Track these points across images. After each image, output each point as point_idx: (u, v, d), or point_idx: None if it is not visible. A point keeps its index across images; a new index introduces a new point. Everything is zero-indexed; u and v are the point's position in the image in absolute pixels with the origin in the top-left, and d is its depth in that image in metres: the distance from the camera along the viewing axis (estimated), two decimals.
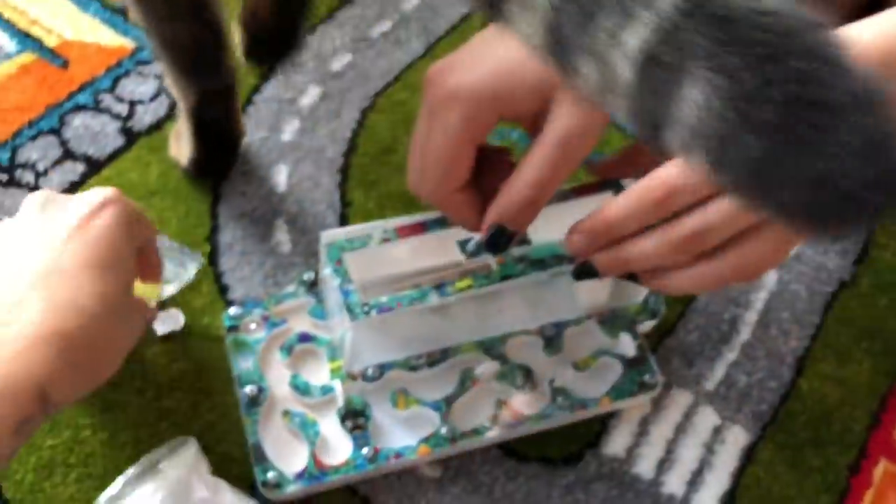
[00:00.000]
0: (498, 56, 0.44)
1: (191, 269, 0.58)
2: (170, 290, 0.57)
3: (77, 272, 0.42)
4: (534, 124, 0.45)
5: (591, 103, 0.37)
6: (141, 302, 0.49)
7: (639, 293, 0.58)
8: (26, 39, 0.69)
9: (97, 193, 0.46)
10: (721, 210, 0.42)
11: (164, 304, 0.56)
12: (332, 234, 0.51)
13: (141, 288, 0.55)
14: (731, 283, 0.46)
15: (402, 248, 0.53)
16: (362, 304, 0.49)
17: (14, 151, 0.63)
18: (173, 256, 0.58)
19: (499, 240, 0.47)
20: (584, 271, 0.48)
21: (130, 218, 0.46)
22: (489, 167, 0.47)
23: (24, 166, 0.62)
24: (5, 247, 0.44)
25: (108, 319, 0.43)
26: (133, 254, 0.46)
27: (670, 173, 0.42)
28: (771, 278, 0.64)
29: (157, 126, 0.65)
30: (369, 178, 0.65)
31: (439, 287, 0.50)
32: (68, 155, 0.63)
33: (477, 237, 0.51)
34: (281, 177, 0.65)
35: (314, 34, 0.73)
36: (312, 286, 0.57)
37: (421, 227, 0.53)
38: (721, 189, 0.39)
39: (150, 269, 0.51)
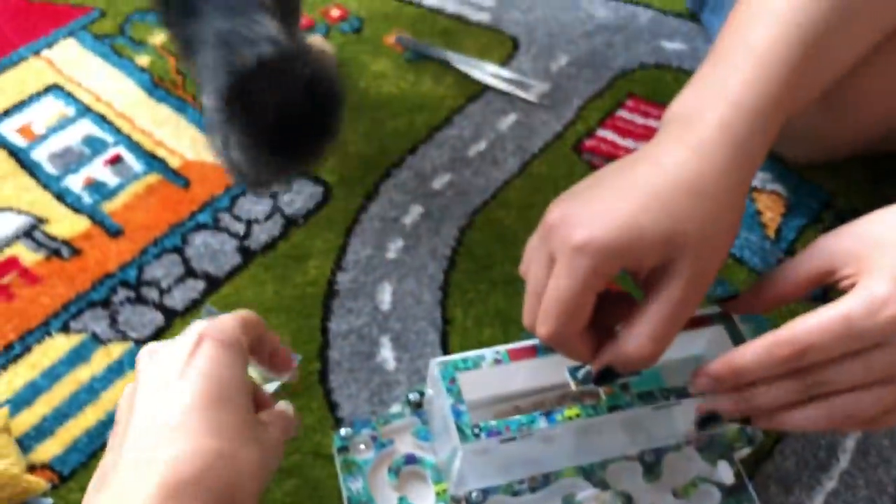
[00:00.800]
0: (624, 208, 0.46)
1: (293, 371, 0.61)
2: (272, 387, 0.60)
3: (188, 418, 0.41)
4: (649, 274, 0.47)
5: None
6: (278, 415, 0.49)
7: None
8: (152, 161, 0.74)
9: (192, 331, 0.45)
10: (854, 371, 0.43)
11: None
12: (443, 358, 0.54)
13: None
14: (844, 426, 0.46)
15: (513, 371, 0.55)
16: (472, 427, 0.51)
17: (140, 269, 0.68)
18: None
19: (608, 377, 0.49)
20: (709, 419, 0.49)
21: (231, 341, 0.45)
22: (606, 305, 0.49)
23: (149, 284, 0.67)
24: (132, 405, 0.44)
25: (232, 450, 0.41)
26: (244, 375, 0.46)
27: (804, 328, 0.44)
28: None
29: (272, 245, 0.70)
30: (468, 295, 0.68)
31: (548, 414, 0.52)
32: (190, 273, 0.68)
33: (588, 367, 0.53)
34: (385, 294, 0.68)
35: (415, 154, 0.77)
36: (418, 407, 0.60)
37: (532, 351, 0.55)
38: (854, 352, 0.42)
39: (275, 361, 0.52)
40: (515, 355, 0.55)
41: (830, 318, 0.44)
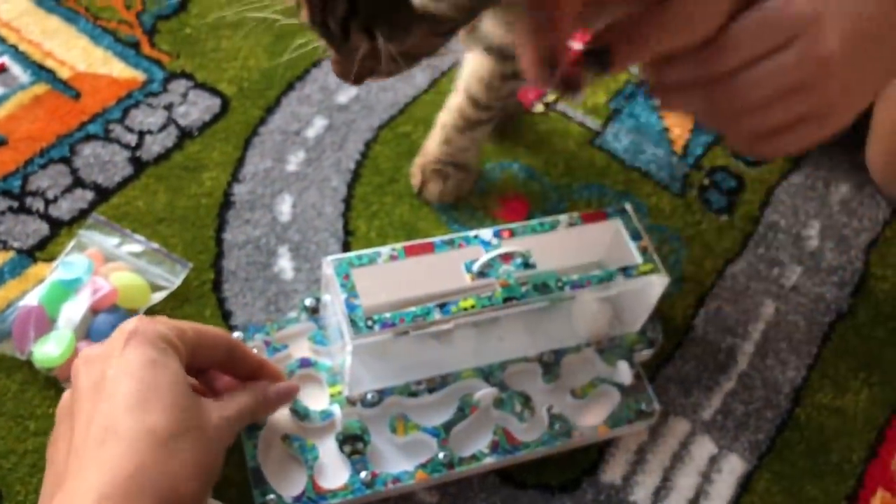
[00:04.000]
0: None
1: (181, 275, 0.59)
2: (159, 295, 0.58)
3: (117, 421, 0.40)
4: None
5: None
6: (237, 396, 0.47)
7: (636, 322, 0.59)
8: (40, 71, 0.70)
9: (120, 332, 0.44)
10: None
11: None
12: (339, 257, 0.52)
13: (129, 295, 0.57)
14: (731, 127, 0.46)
15: (409, 267, 0.54)
16: (366, 319, 0.49)
17: (25, 179, 0.64)
18: (163, 263, 0.60)
19: (600, 60, 0.45)
20: (598, 56, 0.45)
21: (155, 339, 0.44)
22: None
23: (34, 194, 0.63)
24: (72, 413, 0.43)
25: (163, 449, 0.40)
26: (175, 370, 0.43)
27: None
28: (768, 309, 0.64)
29: (165, 156, 0.67)
30: (372, 208, 0.66)
31: (443, 306, 0.51)
32: (78, 183, 0.64)
33: (483, 258, 0.52)
34: (285, 206, 0.66)
35: (320, 68, 0.74)
36: (314, 312, 0.58)
37: (430, 247, 0.54)
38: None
39: (261, 372, 0.50)
40: (412, 251, 0.53)
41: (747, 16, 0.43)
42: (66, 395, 0.46)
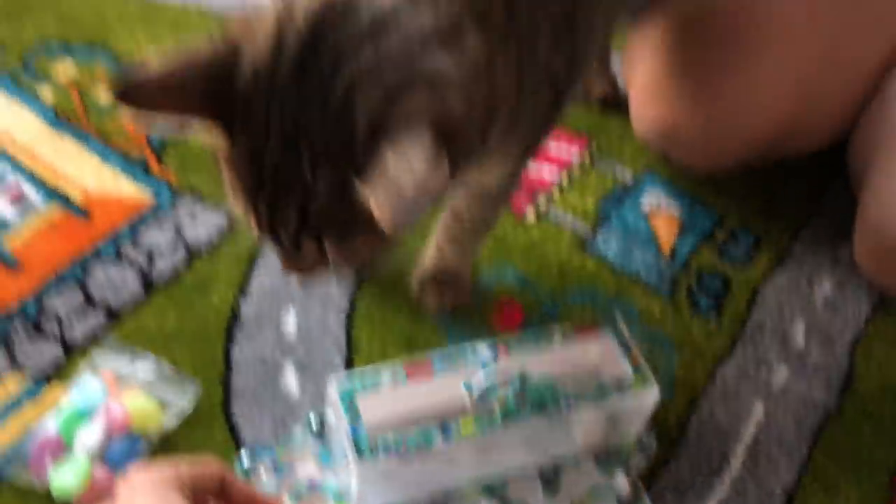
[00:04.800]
0: None
1: (190, 394, 0.62)
2: (170, 419, 0.60)
3: None
4: None
5: None
6: None
7: (632, 431, 0.61)
8: (54, 194, 0.74)
9: (127, 484, 0.46)
10: None
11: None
12: (342, 378, 0.55)
13: (142, 419, 0.59)
14: None
15: (411, 391, 0.56)
16: (370, 445, 0.52)
17: (41, 303, 0.67)
18: (173, 383, 0.62)
19: None
20: None
21: (162, 487, 0.45)
22: None
23: (49, 318, 0.66)
24: None
25: None
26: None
27: None
28: (758, 411, 0.67)
29: (174, 275, 0.70)
30: (373, 320, 0.69)
31: (444, 429, 0.53)
32: (91, 305, 0.67)
33: (481, 375, 0.55)
34: (290, 320, 0.68)
35: None
36: (320, 431, 0.60)
37: (429, 368, 0.56)
38: None
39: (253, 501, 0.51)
40: (412, 372, 0.56)
41: None
42: None
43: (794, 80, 0.68)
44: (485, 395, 0.55)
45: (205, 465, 0.50)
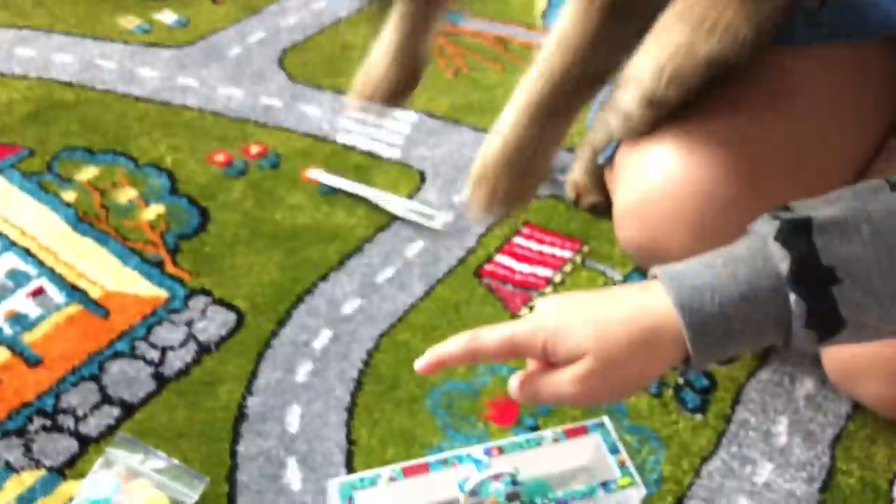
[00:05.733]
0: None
1: (198, 490, 0.64)
2: None
3: None
4: None
5: None
6: None
7: None
8: (74, 292, 0.78)
9: None
10: None
11: None
12: (342, 479, 0.58)
13: None
14: None
15: (407, 487, 0.59)
16: None
17: (57, 398, 0.70)
18: (182, 478, 0.65)
19: None
20: None
21: None
22: None
23: (65, 412, 0.70)
24: None
25: None
26: None
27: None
28: None
29: (185, 371, 0.73)
30: (374, 415, 0.72)
31: None
32: (106, 400, 0.71)
33: (475, 479, 0.58)
34: (293, 417, 0.72)
35: (327, 281, 0.82)
36: None
37: (425, 467, 0.59)
38: None
39: None
40: (409, 472, 0.59)
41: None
42: None
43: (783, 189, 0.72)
44: (477, 491, 0.58)
45: None
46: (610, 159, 0.82)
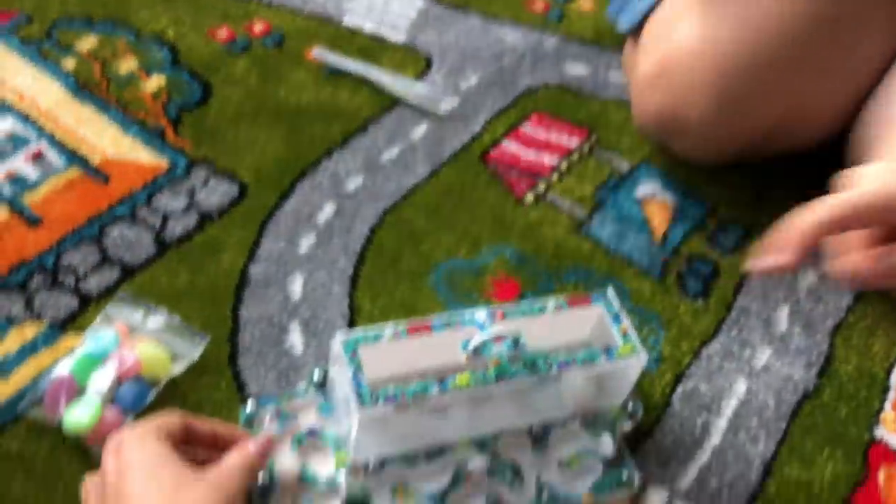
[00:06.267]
0: None
1: (200, 347, 0.65)
2: (178, 367, 0.63)
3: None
4: None
5: None
6: (229, 455, 0.52)
7: (619, 397, 0.64)
8: (73, 157, 0.77)
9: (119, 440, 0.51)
10: None
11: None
12: (346, 334, 0.58)
13: (151, 366, 0.62)
14: None
15: (411, 345, 0.59)
16: (371, 394, 0.55)
17: (58, 257, 0.70)
18: (184, 335, 0.65)
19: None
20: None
21: (136, 436, 0.51)
22: None
23: (66, 270, 0.69)
24: None
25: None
26: (160, 451, 0.50)
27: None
28: (741, 388, 0.70)
29: (187, 237, 0.73)
30: (376, 288, 0.72)
31: (441, 381, 0.56)
32: (106, 261, 0.70)
33: (477, 339, 0.58)
34: (296, 285, 0.71)
35: (330, 158, 0.81)
36: (322, 385, 0.63)
37: (429, 327, 0.59)
38: None
39: (215, 439, 0.56)
40: (413, 330, 0.59)
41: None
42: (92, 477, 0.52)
43: (799, 70, 0.71)
44: (480, 352, 0.58)
45: (168, 416, 0.54)
46: (634, 30, 0.81)
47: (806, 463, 0.66)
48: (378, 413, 0.55)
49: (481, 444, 0.61)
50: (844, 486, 0.65)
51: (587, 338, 0.65)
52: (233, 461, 0.52)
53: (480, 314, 0.61)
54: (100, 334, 0.63)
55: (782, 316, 0.75)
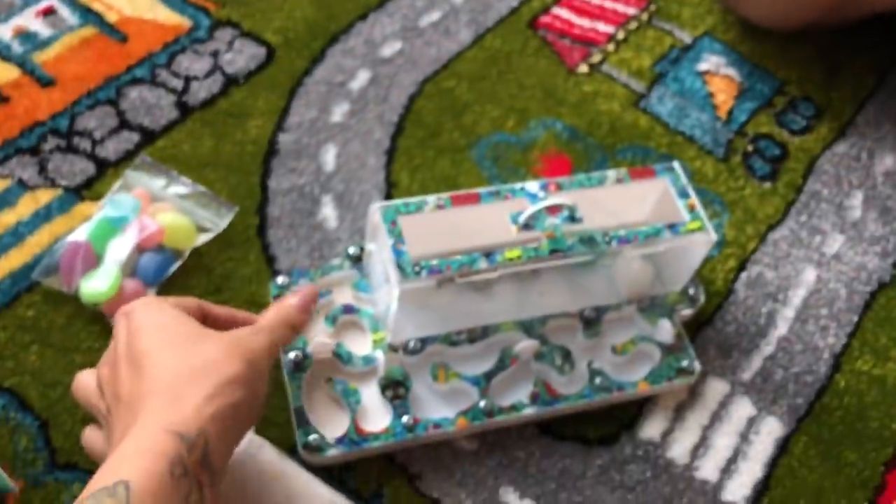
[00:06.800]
0: None
1: (226, 218, 0.60)
2: (203, 238, 0.59)
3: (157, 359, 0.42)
4: None
5: None
6: (246, 340, 0.45)
7: (679, 282, 0.59)
8: (88, 14, 0.71)
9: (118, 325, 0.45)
10: None
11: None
12: (385, 202, 0.52)
13: (175, 235, 0.57)
14: None
15: (454, 217, 0.54)
16: (413, 265, 0.50)
17: (73, 120, 0.65)
18: (209, 205, 0.60)
19: None
20: None
21: (140, 305, 0.45)
22: None
23: (81, 134, 0.64)
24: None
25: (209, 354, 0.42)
26: (173, 315, 0.44)
27: None
28: (810, 276, 0.64)
29: (211, 102, 0.67)
30: (415, 161, 0.66)
31: (489, 255, 0.51)
32: (125, 125, 0.65)
33: (530, 210, 0.52)
34: (329, 156, 0.66)
35: (365, 21, 0.74)
36: (357, 260, 0.58)
37: (475, 198, 0.54)
38: None
39: (232, 322, 0.49)
40: (458, 200, 0.53)
41: None
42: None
43: None
44: (531, 225, 0.53)
45: (183, 298, 0.48)
46: None
47: (879, 357, 0.61)
48: (420, 286, 0.50)
49: (528, 328, 0.57)
50: None
51: (649, 215, 0.60)
52: (268, 318, 0.47)
53: (533, 185, 0.55)
54: (119, 200, 0.59)
55: (856, 202, 0.69)
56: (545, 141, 0.69)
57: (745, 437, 0.56)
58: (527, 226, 0.53)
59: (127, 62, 0.68)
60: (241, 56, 0.70)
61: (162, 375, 0.41)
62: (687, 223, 0.55)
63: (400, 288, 0.50)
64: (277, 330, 0.47)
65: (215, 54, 0.70)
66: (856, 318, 0.62)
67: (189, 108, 0.66)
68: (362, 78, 0.71)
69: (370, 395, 0.54)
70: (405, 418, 0.52)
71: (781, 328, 0.61)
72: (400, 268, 0.50)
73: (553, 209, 0.53)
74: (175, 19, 0.72)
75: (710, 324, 0.61)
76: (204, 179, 0.63)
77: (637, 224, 0.58)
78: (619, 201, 0.57)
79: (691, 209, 0.55)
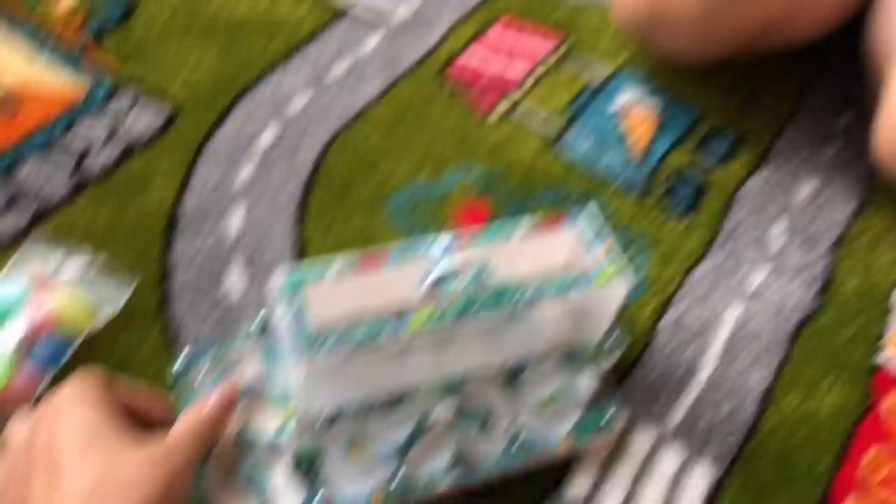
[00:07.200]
0: None
1: (126, 293, 0.57)
2: (102, 317, 0.56)
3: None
4: None
5: None
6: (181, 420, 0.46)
7: (600, 328, 0.57)
8: None
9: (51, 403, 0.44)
10: None
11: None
12: (288, 269, 0.50)
13: (71, 316, 0.54)
14: None
15: (360, 282, 0.51)
16: (315, 340, 0.47)
17: None
18: (107, 281, 0.58)
19: None
20: None
21: (62, 399, 0.44)
22: None
23: None
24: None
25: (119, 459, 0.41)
26: (107, 415, 0.43)
27: None
28: (735, 312, 0.63)
29: (110, 170, 0.64)
30: (326, 219, 0.64)
31: (396, 322, 0.49)
32: (17, 201, 0.62)
33: (435, 272, 0.50)
34: (235, 219, 0.63)
35: (272, 74, 0.72)
36: (263, 332, 0.56)
37: (382, 259, 0.52)
38: None
39: (153, 412, 0.49)
40: (364, 263, 0.51)
41: None
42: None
43: None
44: (439, 286, 0.51)
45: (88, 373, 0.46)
46: None
47: (807, 393, 0.60)
48: (322, 365, 0.48)
49: (447, 389, 0.54)
50: (848, 417, 0.59)
51: (564, 258, 0.58)
52: (182, 426, 0.46)
53: (442, 241, 0.53)
54: (10, 282, 0.55)
55: (778, 232, 0.68)
56: (461, 190, 0.67)
57: (676, 486, 0.55)
58: (434, 287, 0.51)
59: (18, 135, 0.65)
60: (142, 119, 0.68)
61: (79, 488, 0.39)
62: (603, 269, 0.53)
63: (302, 365, 0.47)
64: (192, 447, 0.45)
65: (115, 117, 0.67)
66: (782, 354, 0.61)
67: (87, 178, 0.64)
68: (270, 134, 0.69)
69: (280, 475, 0.51)
70: (317, 498, 0.50)
71: (708, 367, 0.60)
72: (301, 344, 0.47)
73: (461, 269, 0.52)
74: (73, 83, 0.69)
75: (635, 367, 0.60)
76: (103, 252, 0.60)
77: (551, 275, 0.57)
78: (531, 252, 0.56)
79: (607, 253, 0.54)
